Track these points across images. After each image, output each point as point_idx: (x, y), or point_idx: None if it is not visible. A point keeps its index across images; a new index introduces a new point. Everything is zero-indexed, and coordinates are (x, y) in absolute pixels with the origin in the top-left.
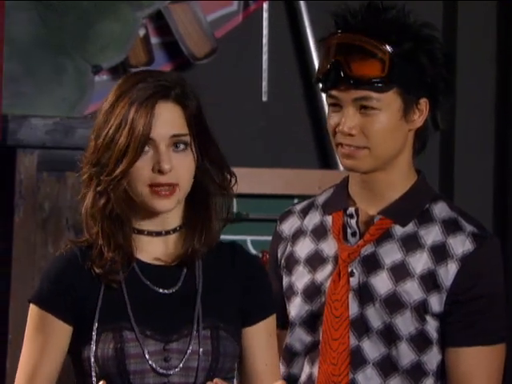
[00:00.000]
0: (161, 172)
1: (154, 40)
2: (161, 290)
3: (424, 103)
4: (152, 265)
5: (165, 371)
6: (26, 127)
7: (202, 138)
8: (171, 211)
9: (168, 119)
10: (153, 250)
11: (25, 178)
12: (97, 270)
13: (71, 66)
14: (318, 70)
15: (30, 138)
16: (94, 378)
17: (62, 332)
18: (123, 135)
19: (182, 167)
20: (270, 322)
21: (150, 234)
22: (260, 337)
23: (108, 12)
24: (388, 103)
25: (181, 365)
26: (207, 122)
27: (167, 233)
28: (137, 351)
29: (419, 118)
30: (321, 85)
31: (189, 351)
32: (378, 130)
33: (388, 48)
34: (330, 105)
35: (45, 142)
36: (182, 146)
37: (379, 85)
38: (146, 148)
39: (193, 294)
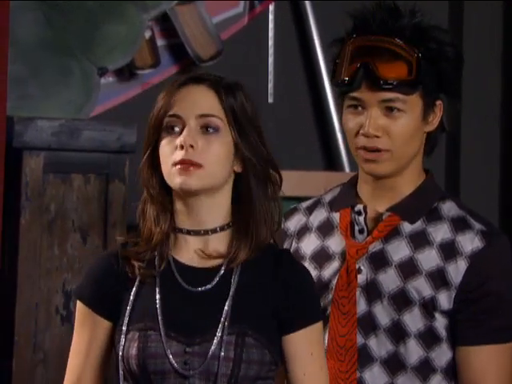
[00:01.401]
0: (181, 147)
1: (160, 42)
2: (193, 289)
3: (439, 105)
4: (188, 265)
5: (185, 373)
6: (31, 129)
7: (244, 134)
8: (209, 210)
9: (197, 99)
10: (191, 249)
11: (31, 180)
12: (134, 268)
13: (77, 68)
14: (339, 72)
15: (36, 139)
16: (121, 377)
17: (104, 328)
18: (152, 117)
19: (208, 149)
20: (313, 331)
21: (189, 232)
22: (299, 345)
23: (114, 14)
24: (412, 105)
25: (200, 368)
26: (258, 123)
27: (206, 232)
28: (158, 351)
29: (434, 120)
30: (342, 87)
31: (209, 355)
32: (402, 131)
33: (415, 50)
34: (349, 106)
35: (51, 143)
36: (211, 130)
37: (407, 87)
38: (176, 129)
39: (224, 297)
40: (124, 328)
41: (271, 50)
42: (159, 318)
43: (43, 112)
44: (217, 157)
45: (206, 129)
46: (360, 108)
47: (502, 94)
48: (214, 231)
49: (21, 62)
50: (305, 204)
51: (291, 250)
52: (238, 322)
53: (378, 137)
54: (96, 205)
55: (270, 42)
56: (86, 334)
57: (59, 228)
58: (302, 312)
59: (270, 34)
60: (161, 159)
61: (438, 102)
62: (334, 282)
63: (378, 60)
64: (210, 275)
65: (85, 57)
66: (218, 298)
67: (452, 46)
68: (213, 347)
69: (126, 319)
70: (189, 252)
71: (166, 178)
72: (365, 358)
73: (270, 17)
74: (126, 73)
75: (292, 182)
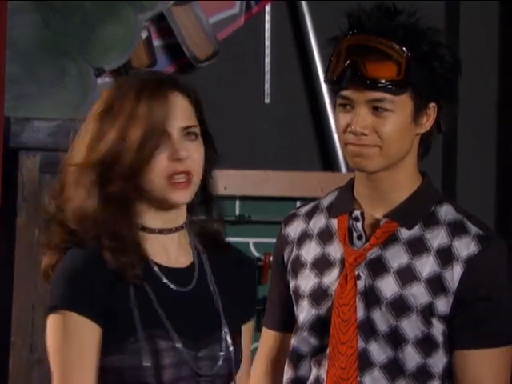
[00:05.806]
0: (178, 160)
1: (156, 42)
2: (181, 290)
3: (432, 108)
4: (167, 266)
5: (197, 378)
6: (28, 129)
7: (204, 133)
8: (179, 209)
9: (179, 109)
10: (166, 248)
11: (27, 180)
12: (117, 272)
13: (74, 68)
14: (331, 70)
15: (33, 140)
16: None
17: (96, 335)
18: (137, 129)
19: (195, 156)
20: (251, 326)
21: (161, 231)
22: (247, 335)
23: (110, 15)
24: (401, 106)
25: (213, 371)
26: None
27: (177, 229)
28: (173, 361)
29: (427, 122)
30: (332, 85)
31: (220, 357)
32: (390, 130)
33: (405, 50)
34: (339, 105)
35: (47, 144)
36: (193, 136)
37: (394, 87)
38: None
39: (209, 294)
40: (128, 338)
41: (268, 51)
42: (166, 326)
43: (40, 112)
44: (201, 164)
45: (188, 135)
46: (349, 107)
47: (498, 94)
48: (182, 227)
49: (17, 63)
50: (303, 209)
51: (291, 257)
52: (229, 318)
53: (365, 134)
54: None
55: (267, 43)
56: (75, 350)
57: None
58: (253, 305)
59: (267, 34)
60: (148, 169)
61: (432, 105)
62: (334, 289)
63: (367, 59)
64: (187, 273)
65: (81, 57)
66: (204, 296)
67: (448, 49)
68: (220, 349)
69: (128, 328)
70: (166, 252)
71: (151, 188)
72: (365, 362)
73: (267, 17)
74: (123, 73)
75: (288, 182)
